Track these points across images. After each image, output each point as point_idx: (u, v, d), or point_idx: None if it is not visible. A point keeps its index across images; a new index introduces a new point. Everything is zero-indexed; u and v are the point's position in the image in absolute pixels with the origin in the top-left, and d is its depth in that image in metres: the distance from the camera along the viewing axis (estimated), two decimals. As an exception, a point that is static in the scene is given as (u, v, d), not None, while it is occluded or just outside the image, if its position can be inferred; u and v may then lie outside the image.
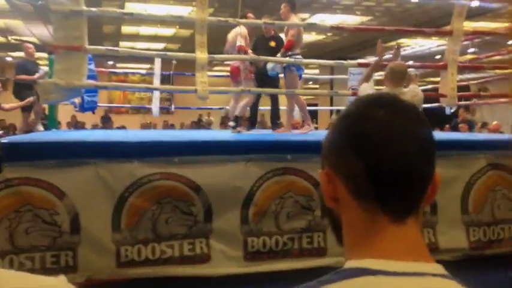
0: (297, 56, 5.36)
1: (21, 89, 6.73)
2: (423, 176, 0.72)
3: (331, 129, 0.79)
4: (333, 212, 0.77)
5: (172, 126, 16.24)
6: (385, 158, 0.70)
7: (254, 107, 6.11)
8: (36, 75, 6.42)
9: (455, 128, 10.16)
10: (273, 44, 5.74)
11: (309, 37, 16.23)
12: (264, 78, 5.47)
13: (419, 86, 5.24)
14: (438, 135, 5.16)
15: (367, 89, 3.94)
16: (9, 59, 18.57)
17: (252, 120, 6.44)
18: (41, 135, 5.20)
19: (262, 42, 5.73)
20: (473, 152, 3.79)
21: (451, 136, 5.59)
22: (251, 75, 5.58)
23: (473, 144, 4.04)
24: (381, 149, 0.70)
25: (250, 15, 5.62)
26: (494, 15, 12.24)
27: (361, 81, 4.27)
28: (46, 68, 6.43)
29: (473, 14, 10.56)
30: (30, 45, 7.24)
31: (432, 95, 5.56)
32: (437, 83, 5.76)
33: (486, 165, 3.74)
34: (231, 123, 5.62)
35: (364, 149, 0.71)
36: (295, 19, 5.52)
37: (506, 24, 11.61)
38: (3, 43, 13.51)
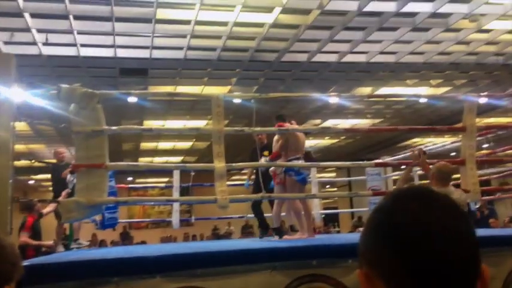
0: (297, 161, 5.45)
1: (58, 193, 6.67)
2: (467, 272, 0.67)
3: (366, 225, 0.75)
4: None
5: (194, 238, 16.10)
6: (424, 255, 0.65)
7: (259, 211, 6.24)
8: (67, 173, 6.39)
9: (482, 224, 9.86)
10: (266, 153, 5.91)
11: (322, 142, 16.56)
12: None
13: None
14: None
15: None
16: (31, 182, 19.16)
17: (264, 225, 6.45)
18: (61, 255, 5.15)
19: (256, 154, 5.77)
20: (510, 248, 3.64)
21: (485, 232, 5.40)
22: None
23: (509, 240, 3.88)
24: (419, 245, 0.66)
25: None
26: (505, 111, 12.46)
27: (399, 185, 4.27)
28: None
29: (484, 110, 10.76)
30: (62, 150, 7.44)
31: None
32: (455, 179, 5.70)
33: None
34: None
35: (399, 246, 0.67)
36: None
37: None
38: (26, 167, 13.97)
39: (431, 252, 0.65)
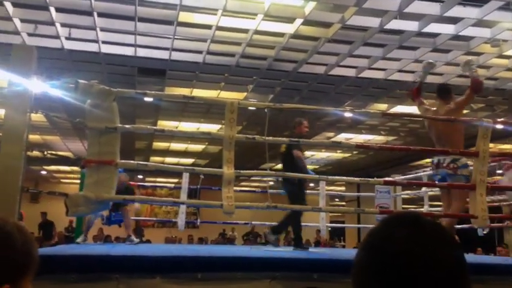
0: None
1: None
2: None
3: (359, 248, 0.77)
4: None
5: (200, 241, 16.04)
6: (405, 283, 0.67)
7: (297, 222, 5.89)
8: None
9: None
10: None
11: (334, 155, 16.51)
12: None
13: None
14: (471, 258, 4.95)
15: None
16: (43, 172, 19.36)
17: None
18: (65, 248, 5.20)
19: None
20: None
21: (486, 260, 5.35)
22: None
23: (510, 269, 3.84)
24: (402, 272, 0.67)
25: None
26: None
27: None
28: None
29: (499, 136, 10.65)
30: None
31: (463, 216, 5.42)
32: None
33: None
34: None
35: (384, 272, 0.69)
36: None
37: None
38: (40, 157, 14.10)
39: (412, 279, 0.67)
